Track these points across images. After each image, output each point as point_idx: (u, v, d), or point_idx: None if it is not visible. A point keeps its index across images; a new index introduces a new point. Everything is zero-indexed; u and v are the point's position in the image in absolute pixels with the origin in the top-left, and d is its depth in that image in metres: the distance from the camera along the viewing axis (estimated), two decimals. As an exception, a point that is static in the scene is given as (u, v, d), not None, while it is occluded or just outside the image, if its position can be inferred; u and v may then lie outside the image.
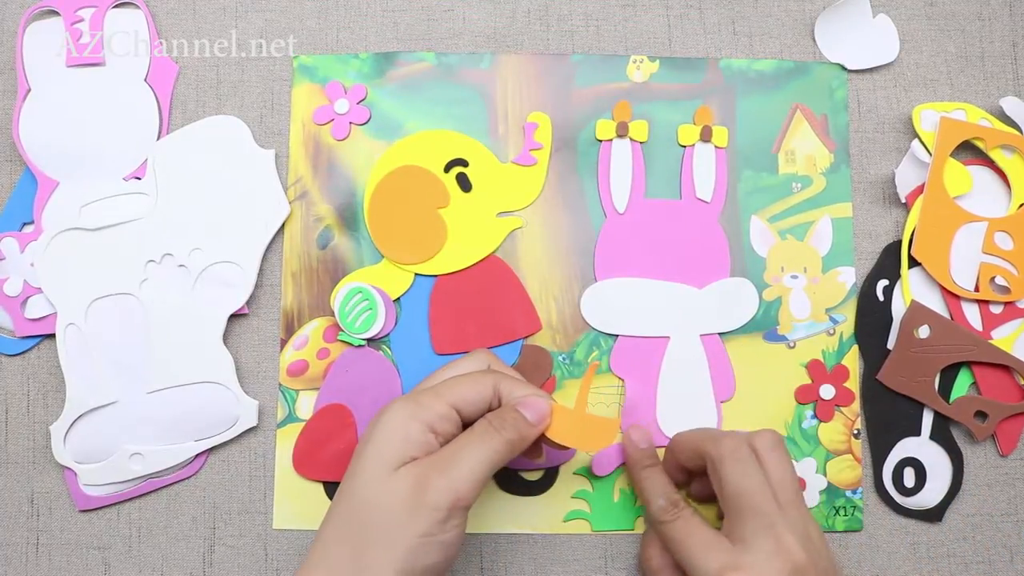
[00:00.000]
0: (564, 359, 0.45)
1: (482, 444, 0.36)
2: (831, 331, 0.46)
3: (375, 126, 0.47)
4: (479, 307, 0.45)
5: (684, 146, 0.47)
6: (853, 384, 0.45)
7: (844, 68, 0.47)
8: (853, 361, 0.46)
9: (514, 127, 0.47)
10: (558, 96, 0.47)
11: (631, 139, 0.47)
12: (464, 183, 0.46)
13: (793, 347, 0.46)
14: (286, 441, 0.45)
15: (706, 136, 0.46)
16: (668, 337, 0.46)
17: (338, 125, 0.46)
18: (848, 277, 0.46)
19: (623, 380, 0.45)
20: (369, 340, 0.45)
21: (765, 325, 0.46)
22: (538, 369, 0.45)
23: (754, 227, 0.46)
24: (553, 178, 0.46)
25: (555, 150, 0.47)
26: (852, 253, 0.46)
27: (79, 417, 0.44)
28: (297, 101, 0.47)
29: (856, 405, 0.45)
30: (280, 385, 0.45)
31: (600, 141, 0.47)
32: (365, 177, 0.46)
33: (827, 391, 0.45)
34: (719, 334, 0.46)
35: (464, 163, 0.46)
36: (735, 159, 0.47)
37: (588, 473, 0.45)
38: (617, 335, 0.46)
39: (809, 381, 0.45)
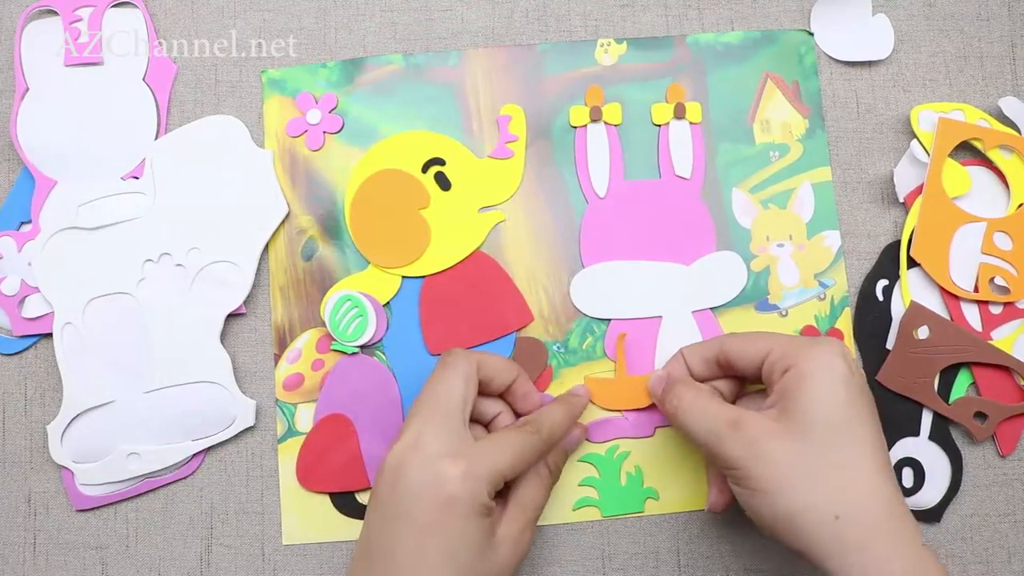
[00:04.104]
0: (559, 348, 0.45)
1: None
2: (822, 296, 0.46)
3: (349, 133, 0.46)
4: (469, 304, 0.45)
5: (659, 125, 0.47)
6: (848, 348, 0.45)
7: (810, 33, 0.47)
8: (847, 324, 0.46)
9: (488, 121, 0.47)
10: (529, 86, 0.47)
11: (605, 123, 0.47)
12: (443, 182, 0.46)
13: (786, 315, 0.46)
14: (288, 456, 0.45)
15: (680, 113, 0.46)
16: (661, 317, 0.46)
17: (312, 136, 0.46)
18: (833, 241, 0.46)
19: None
20: (362, 347, 0.45)
21: (756, 296, 0.46)
22: (533, 360, 0.45)
23: (736, 199, 0.46)
24: (531, 169, 0.46)
25: (531, 141, 0.47)
26: (835, 217, 0.46)
27: (76, 417, 0.44)
28: (269, 116, 0.47)
29: None
30: (277, 400, 0.45)
31: (575, 127, 0.47)
32: (344, 185, 0.46)
33: None
34: (711, 309, 0.46)
35: (441, 162, 0.46)
36: (711, 133, 0.47)
37: (593, 460, 0.45)
38: (610, 319, 0.46)
39: None
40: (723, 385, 0.42)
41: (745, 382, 0.42)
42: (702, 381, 0.42)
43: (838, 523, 0.34)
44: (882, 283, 0.46)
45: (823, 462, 0.35)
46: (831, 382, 0.36)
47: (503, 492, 0.39)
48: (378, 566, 0.35)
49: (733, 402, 0.42)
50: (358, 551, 0.37)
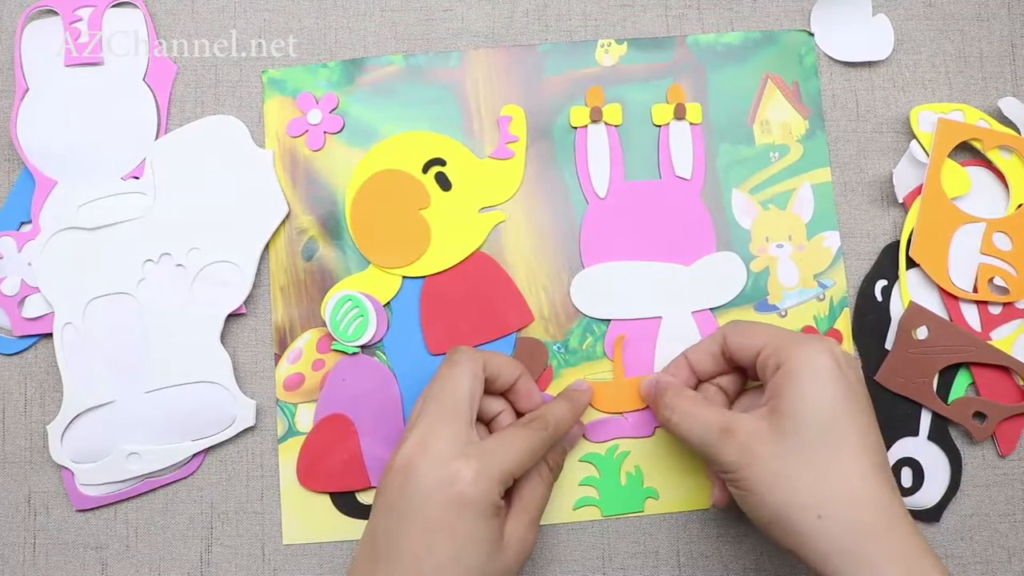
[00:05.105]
0: (559, 348, 0.46)
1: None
2: (821, 296, 0.46)
3: (350, 133, 0.46)
4: (470, 304, 0.45)
5: (659, 126, 0.47)
6: (847, 348, 0.45)
7: (810, 33, 0.48)
8: (846, 324, 0.46)
9: (488, 122, 0.47)
10: (529, 87, 0.47)
11: (606, 123, 0.47)
12: (443, 182, 0.46)
13: (785, 316, 0.46)
14: (289, 456, 0.45)
15: (680, 114, 0.47)
16: (660, 317, 0.46)
17: (312, 136, 0.46)
18: (833, 241, 0.46)
19: None
20: (363, 347, 0.45)
21: (755, 296, 0.46)
22: (534, 361, 0.45)
23: (736, 200, 0.46)
24: (532, 169, 0.47)
25: (531, 141, 0.47)
26: (835, 217, 0.46)
27: (76, 417, 0.44)
28: (269, 116, 0.47)
29: None
30: (278, 400, 0.45)
31: (575, 128, 0.47)
32: (344, 185, 0.46)
33: None
34: (711, 309, 0.46)
35: (442, 162, 0.46)
36: (711, 134, 0.47)
37: (593, 459, 0.45)
38: (610, 319, 0.46)
39: None
40: (726, 382, 0.42)
41: (747, 377, 0.42)
42: (709, 378, 0.42)
43: (821, 523, 0.34)
44: (881, 283, 0.46)
45: (807, 462, 0.35)
46: (817, 381, 0.36)
47: (506, 492, 0.39)
48: (384, 567, 0.35)
49: (735, 398, 0.42)
50: (362, 552, 0.37)
